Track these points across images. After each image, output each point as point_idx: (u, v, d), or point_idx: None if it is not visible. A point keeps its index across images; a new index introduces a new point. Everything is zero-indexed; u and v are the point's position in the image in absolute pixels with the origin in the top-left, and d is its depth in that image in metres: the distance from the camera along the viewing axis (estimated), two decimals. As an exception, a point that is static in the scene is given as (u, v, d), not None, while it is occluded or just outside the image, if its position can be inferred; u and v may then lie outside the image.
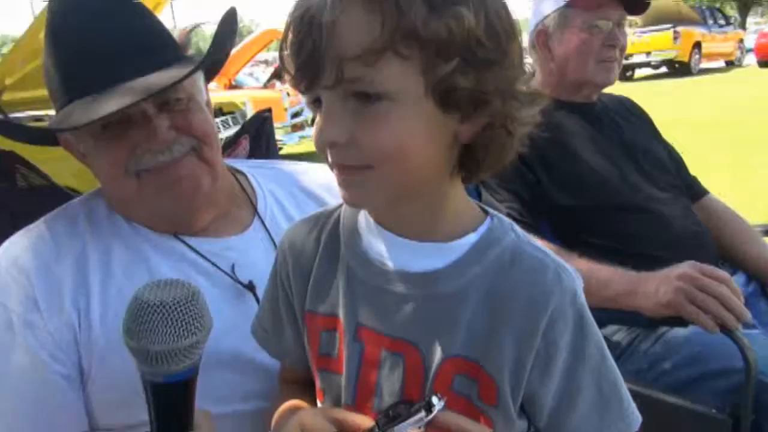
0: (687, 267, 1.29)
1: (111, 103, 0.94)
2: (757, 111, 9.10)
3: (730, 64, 19.06)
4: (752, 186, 4.91)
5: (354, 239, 0.75)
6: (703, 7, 20.92)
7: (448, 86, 0.61)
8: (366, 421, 0.67)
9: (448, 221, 0.70)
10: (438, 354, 0.68)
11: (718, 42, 18.32)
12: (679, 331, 1.39)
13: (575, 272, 0.70)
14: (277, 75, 11.55)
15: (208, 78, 1.17)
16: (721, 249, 1.67)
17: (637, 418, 0.71)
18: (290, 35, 0.63)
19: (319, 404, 0.77)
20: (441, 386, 0.68)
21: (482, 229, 0.71)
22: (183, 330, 0.61)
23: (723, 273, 1.28)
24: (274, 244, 1.12)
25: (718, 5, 26.98)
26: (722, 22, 19.75)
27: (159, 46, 1.06)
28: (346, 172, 0.66)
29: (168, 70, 1.02)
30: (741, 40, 20.17)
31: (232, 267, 1.06)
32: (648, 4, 1.73)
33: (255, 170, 1.27)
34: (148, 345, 0.61)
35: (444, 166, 0.67)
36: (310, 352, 0.77)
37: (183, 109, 1.04)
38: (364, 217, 0.75)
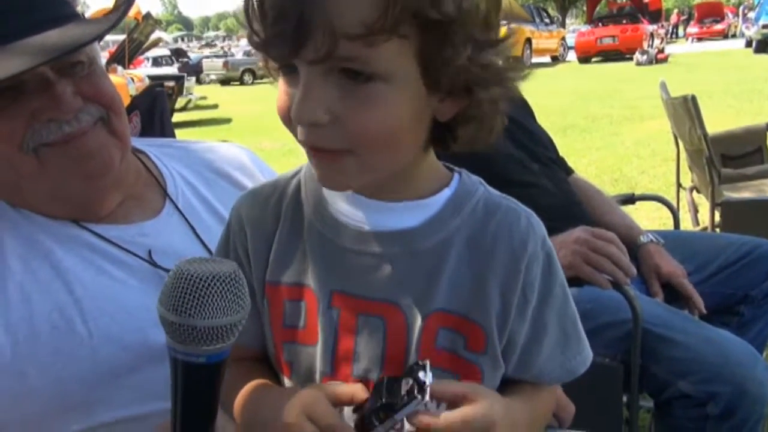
0: (580, 231, 1.42)
1: (4, 66, 0.80)
2: (579, 101, 10.20)
3: (555, 60, 21.10)
4: (582, 168, 5.44)
5: (321, 204, 0.72)
6: (531, 6, 22.87)
7: (448, 69, 0.58)
8: (359, 392, 0.65)
9: (421, 181, 0.70)
10: (421, 311, 0.68)
11: (544, 39, 20.23)
12: (571, 291, 1.51)
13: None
14: (115, 59, 10.66)
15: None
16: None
17: (590, 353, 0.76)
18: None
19: (286, 381, 0.73)
20: (426, 344, 0.68)
21: (454, 183, 0.72)
22: (234, 304, 0.57)
23: (611, 234, 1.42)
24: (192, 228, 1.04)
25: (541, 5, 29.66)
26: (547, 20, 21.79)
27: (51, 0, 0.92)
28: (321, 155, 0.62)
29: (65, 28, 0.89)
30: (563, 38, 22.43)
31: (149, 253, 0.97)
32: None
33: (155, 149, 1.15)
34: (197, 320, 0.55)
35: (422, 144, 0.66)
36: (271, 325, 0.73)
37: (86, 74, 0.92)
38: None
